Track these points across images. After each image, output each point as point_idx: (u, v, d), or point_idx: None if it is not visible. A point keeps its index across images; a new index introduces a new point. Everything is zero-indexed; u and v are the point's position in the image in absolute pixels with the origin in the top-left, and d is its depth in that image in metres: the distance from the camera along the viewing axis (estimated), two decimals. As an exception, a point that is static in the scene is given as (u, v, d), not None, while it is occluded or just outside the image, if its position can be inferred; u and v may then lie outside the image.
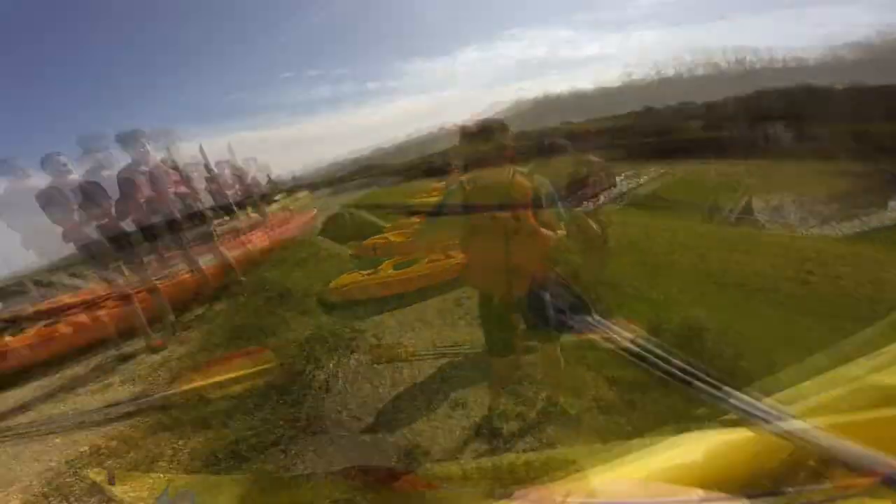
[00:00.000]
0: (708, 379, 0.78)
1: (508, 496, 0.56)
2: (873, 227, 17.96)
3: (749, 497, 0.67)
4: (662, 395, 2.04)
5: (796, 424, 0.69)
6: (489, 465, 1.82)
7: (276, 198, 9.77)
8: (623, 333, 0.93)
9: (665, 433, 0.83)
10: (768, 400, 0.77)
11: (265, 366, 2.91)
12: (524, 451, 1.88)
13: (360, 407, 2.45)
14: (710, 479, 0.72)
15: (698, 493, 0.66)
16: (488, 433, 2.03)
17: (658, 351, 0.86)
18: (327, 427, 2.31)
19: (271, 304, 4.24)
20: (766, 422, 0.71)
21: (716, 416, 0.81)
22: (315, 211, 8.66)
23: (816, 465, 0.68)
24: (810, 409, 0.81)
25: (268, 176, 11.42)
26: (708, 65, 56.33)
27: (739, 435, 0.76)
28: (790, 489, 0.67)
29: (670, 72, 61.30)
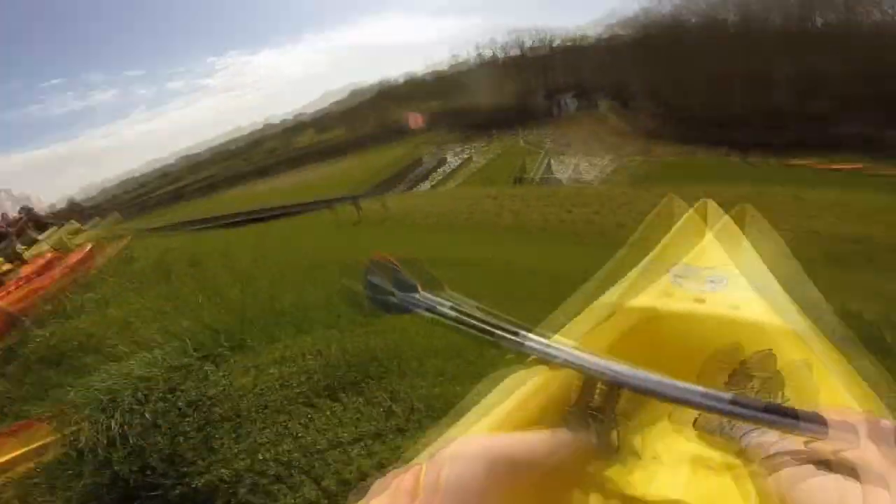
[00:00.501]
0: (506, 327, 0.83)
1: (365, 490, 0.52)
2: (640, 173, 23.39)
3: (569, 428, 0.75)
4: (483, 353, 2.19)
5: (579, 354, 0.76)
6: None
7: (41, 236, 7.62)
8: (445, 303, 0.95)
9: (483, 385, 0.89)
10: (557, 337, 0.84)
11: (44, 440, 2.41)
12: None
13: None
14: (529, 418, 0.78)
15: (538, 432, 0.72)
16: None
17: (474, 312, 0.90)
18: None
19: (38, 370, 3.39)
20: (557, 357, 0.77)
21: (522, 359, 0.86)
22: (90, 246, 6.90)
23: (607, 389, 0.77)
24: (584, 336, 0.91)
25: (25, 209, 8.82)
26: (520, 46, 63.99)
27: (542, 373, 0.82)
28: (599, 416, 0.77)
29: (496, 53, 67.25)
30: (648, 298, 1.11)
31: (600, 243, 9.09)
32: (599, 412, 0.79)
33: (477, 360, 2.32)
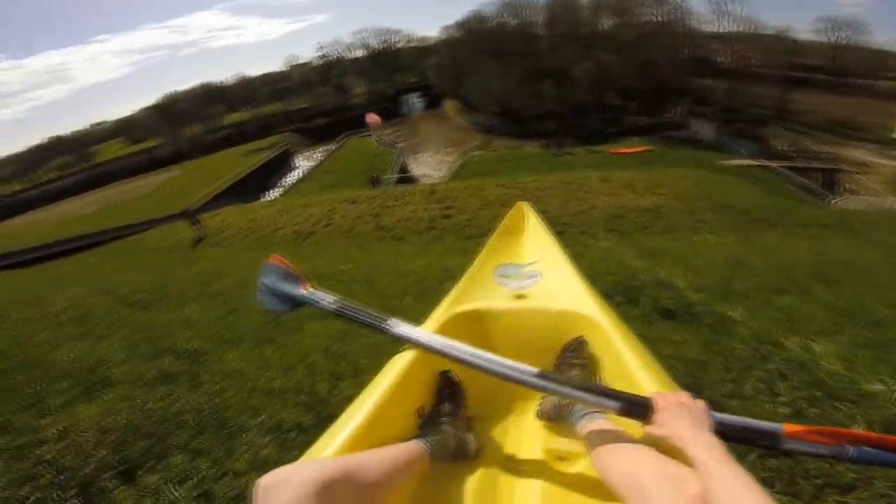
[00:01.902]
0: (377, 315, 1.04)
1: None
2: (471, 168, 25.28)
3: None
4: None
5: (429, 335, 0.97)
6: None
7: None
8: (329, 297, 1.11)
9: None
10: (420, 326, 1.04)
11: None
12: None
13: None
14: (382, 435, 0.83)
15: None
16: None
17: (352, 304, 1.10)
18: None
19: None
20: (413, 339, 0.97)
21: (399, 347, 1.02)
22: None
23: (455, 392, 0.98)
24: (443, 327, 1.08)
25: None
26: (365, 46, 63.02)
27: (392, 390, 0.89)
28: (452, 421, 0.93)
29: (334, 54, 64.96)
30: (476, 300, 1.22)
31: (463, 237, 9.16)
32: (452, 416, 0.93)
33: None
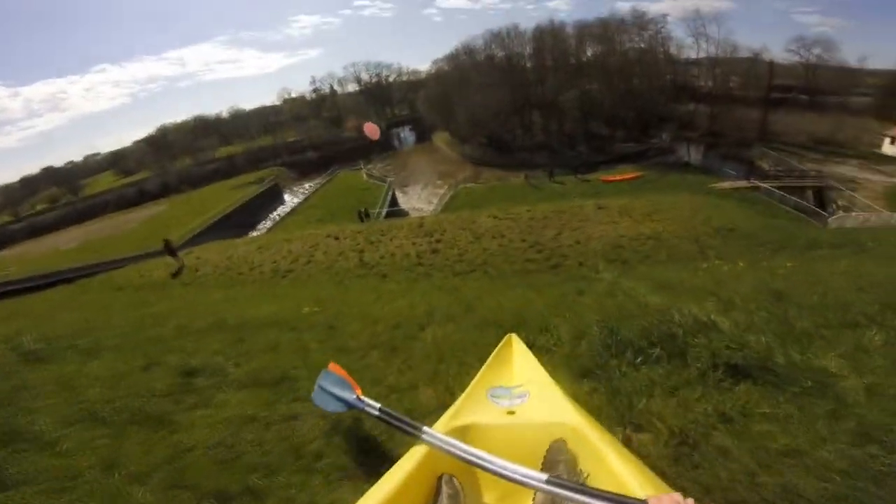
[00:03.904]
0: (410, 422, 1.23)
1: None
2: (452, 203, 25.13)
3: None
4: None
5: (453, 441, 1.12)
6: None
7: None
8: (375, 405, 1.38)
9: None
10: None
11: None
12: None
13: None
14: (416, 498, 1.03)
15: None
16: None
17: (391, 411, 1.35)
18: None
19: None
20: (440, 444, 1.12)
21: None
22: None
23: (453, 491, 1.05)
24: (428, 451, 1.17)
25: None
26: (356, 80, 65.02)
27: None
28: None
29: (326, 88, 66.81)
30: (472, 415, 1.35)
31: (452, 273, 8.58)
32: None
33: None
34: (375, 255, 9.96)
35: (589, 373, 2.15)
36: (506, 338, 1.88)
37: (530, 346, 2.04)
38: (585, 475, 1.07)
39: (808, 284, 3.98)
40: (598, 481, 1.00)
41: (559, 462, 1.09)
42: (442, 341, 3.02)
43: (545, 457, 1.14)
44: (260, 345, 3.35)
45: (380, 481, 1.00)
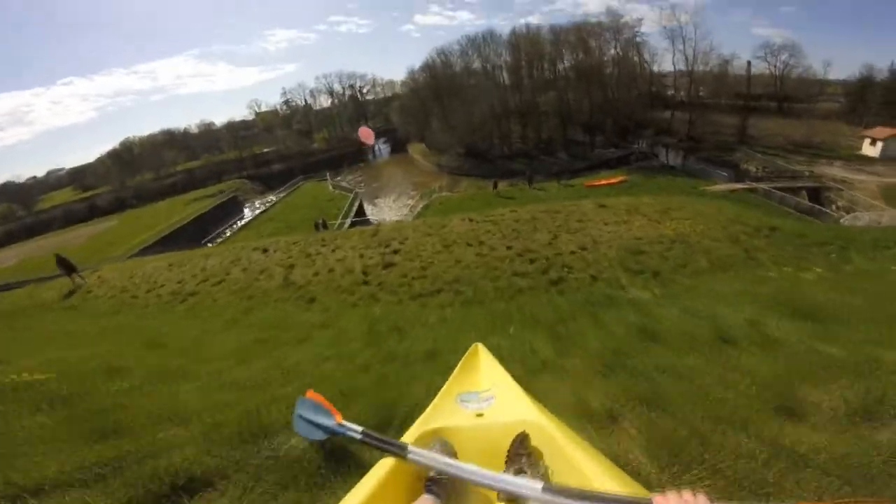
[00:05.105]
0: (394, 442, 1.15)
1: None
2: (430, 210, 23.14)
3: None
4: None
5: (440, 458, 1.05)
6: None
7: None
8: (356, 428, 1.31)
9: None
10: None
11: None
12: None
13: None
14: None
15: None
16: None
17: (374, 434, 1.26)
18: None
19: None
20: (428, 463, 1.05)
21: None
22: None
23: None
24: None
25: None
26: (328, 91, 63.05)
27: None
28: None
29: (299, 100, 64.64)
30: (442, 420, 1.36)
31: (407, 295, 6.20)
32: None
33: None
34: (308, 273, 7.53)
35: None
36: (472, 347, 1.93)
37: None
38: (547, 467, 1.07)
39: None
40: (560, 473, 1.03)
41: (521, 455, 1.09)
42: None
43: (508, 451, 1.15)
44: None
45: (357, 486, 1.00)
